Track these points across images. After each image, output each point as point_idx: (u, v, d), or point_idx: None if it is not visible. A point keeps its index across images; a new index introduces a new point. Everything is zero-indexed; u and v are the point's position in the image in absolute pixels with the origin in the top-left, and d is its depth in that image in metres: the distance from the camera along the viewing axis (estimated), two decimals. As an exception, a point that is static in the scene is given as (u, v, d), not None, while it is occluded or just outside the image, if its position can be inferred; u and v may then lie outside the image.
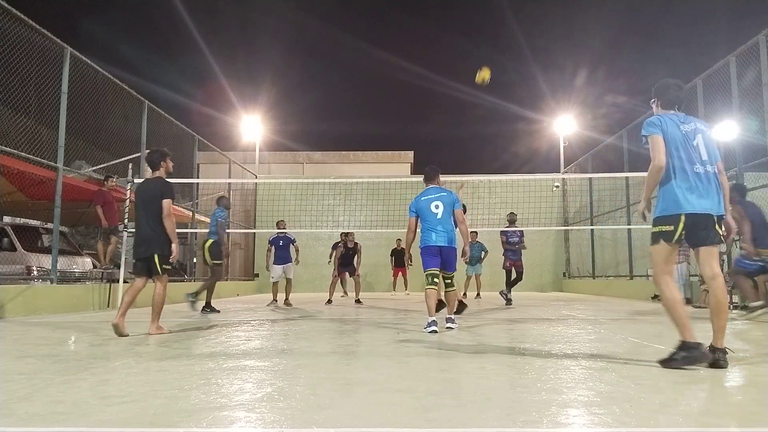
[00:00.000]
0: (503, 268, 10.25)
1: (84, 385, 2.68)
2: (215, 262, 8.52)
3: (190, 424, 1.99)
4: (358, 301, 10.92)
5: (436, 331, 5.10)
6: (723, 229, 3.32)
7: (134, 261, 5.36)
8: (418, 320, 6.47)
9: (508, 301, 9.77)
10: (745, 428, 2.03)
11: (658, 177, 3.34)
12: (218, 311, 8.29)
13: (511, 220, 10.56)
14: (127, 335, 4.86)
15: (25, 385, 2.67)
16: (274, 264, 10.45)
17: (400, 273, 15.26)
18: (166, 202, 5.15)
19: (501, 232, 10.58)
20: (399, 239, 15.05)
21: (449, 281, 5.68)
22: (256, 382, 2.81)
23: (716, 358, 3.13)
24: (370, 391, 2.55)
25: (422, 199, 5.68)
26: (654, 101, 3.58)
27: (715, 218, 3.27)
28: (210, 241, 8.51)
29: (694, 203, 3.24)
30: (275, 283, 10.47)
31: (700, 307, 9.20)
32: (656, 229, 3.35)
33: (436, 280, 5.50)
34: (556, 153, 19.72)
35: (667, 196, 3.31)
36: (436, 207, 5.56)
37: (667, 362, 3.19)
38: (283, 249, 10.40)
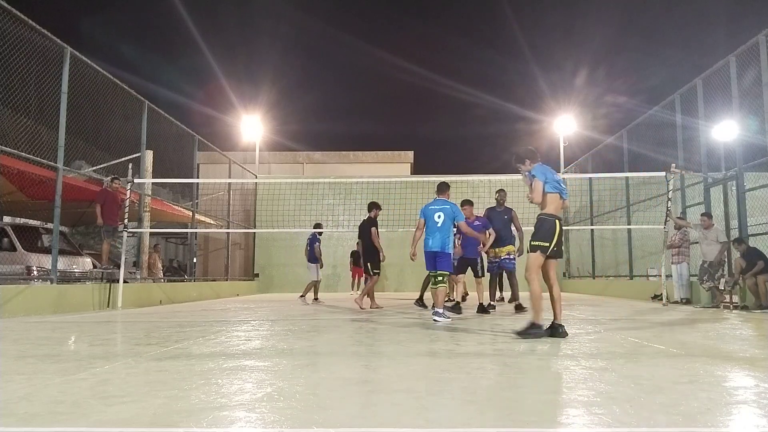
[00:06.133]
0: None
1: (84, 385, 2.67)
2: None
3: (190, 424, 1.99)
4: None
5: (436, 320, 6.04)
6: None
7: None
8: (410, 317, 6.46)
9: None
10: (745, 428, 2.03)
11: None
12: (426, 307, 8.60)
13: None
14: (364, 308, 8.63)
15: (25, 385, 2.67)
16: None
17: (357, 274, 15.88)
18: (374, 230, 9.04)
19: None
20: (359, 242, 14.87)
21: (440, 279, 6.43)
22: (256, 382, 2.81)
23: (556, 330, 4.54)
24: (370, 391, 2.54)
25: (429, 207, 6.61)
26: (527, 161, 5.01)
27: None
28: None
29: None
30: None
31: (705, 306, 9.18)
32: (536, 243, 4.68)
33: (438, 279, 6.38)
34: (556, 153, 19.74)
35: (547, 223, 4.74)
36: (438, 217, 6.44)
37: (522, 333, 4.52)
38: (308, 248, 11.25)
